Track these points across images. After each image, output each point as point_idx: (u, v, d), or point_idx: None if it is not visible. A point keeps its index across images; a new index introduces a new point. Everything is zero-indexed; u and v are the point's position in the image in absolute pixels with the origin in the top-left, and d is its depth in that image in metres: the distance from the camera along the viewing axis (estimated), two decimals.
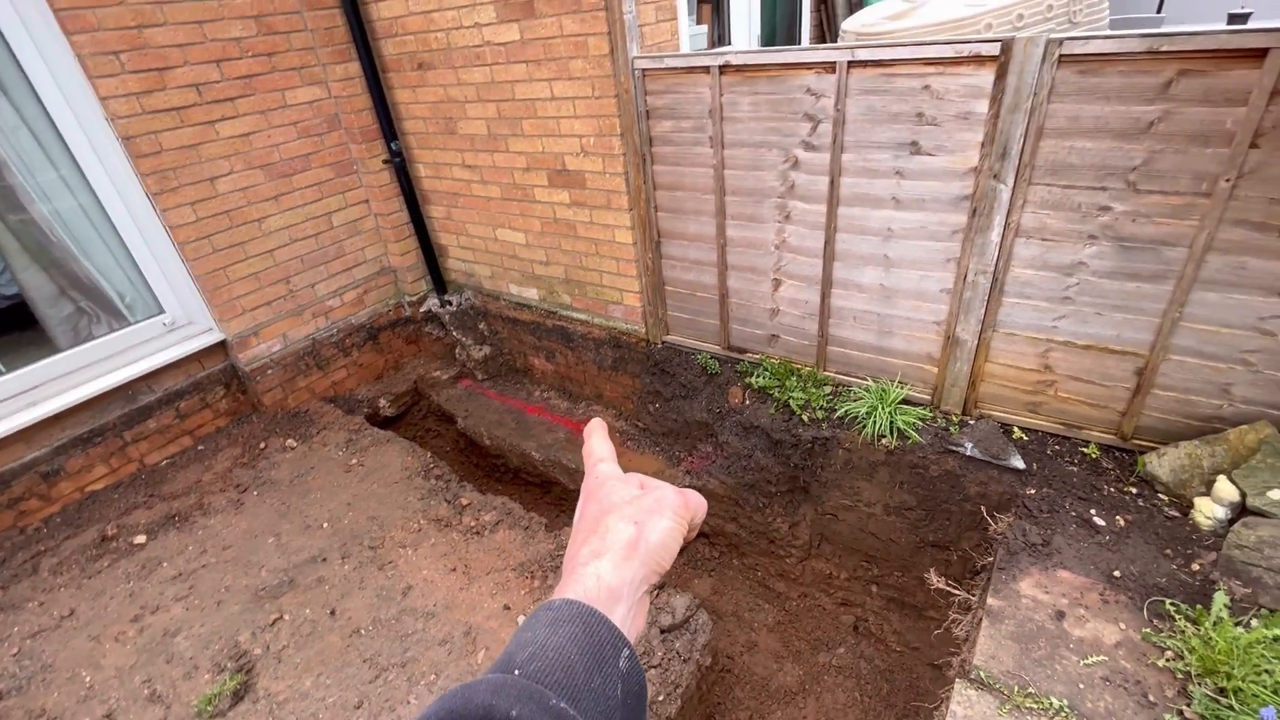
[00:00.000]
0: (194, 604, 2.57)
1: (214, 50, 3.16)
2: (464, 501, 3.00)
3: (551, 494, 3.82)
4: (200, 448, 3.53)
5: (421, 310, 4.40)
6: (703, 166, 2.93)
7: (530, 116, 3.25)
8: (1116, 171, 2.10)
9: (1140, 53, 1.92)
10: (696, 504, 0.56)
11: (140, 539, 2.92)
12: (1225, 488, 2.06)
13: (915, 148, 2.41)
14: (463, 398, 4.22)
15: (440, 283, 4.40)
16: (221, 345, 3.58)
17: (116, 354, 3.24)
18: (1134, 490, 2.30)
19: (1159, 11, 8.99)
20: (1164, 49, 1.89)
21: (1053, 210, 2.25)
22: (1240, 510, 2.04)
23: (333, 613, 2.48)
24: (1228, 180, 1.95)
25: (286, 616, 2.48)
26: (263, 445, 3.50)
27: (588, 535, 0.51)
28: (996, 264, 2.42)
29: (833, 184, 2.62)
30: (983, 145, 2.27)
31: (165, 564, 2.78)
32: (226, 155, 3.33)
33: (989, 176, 2.29)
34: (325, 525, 2.93)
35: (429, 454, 3.38)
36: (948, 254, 2.52)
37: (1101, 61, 1.99)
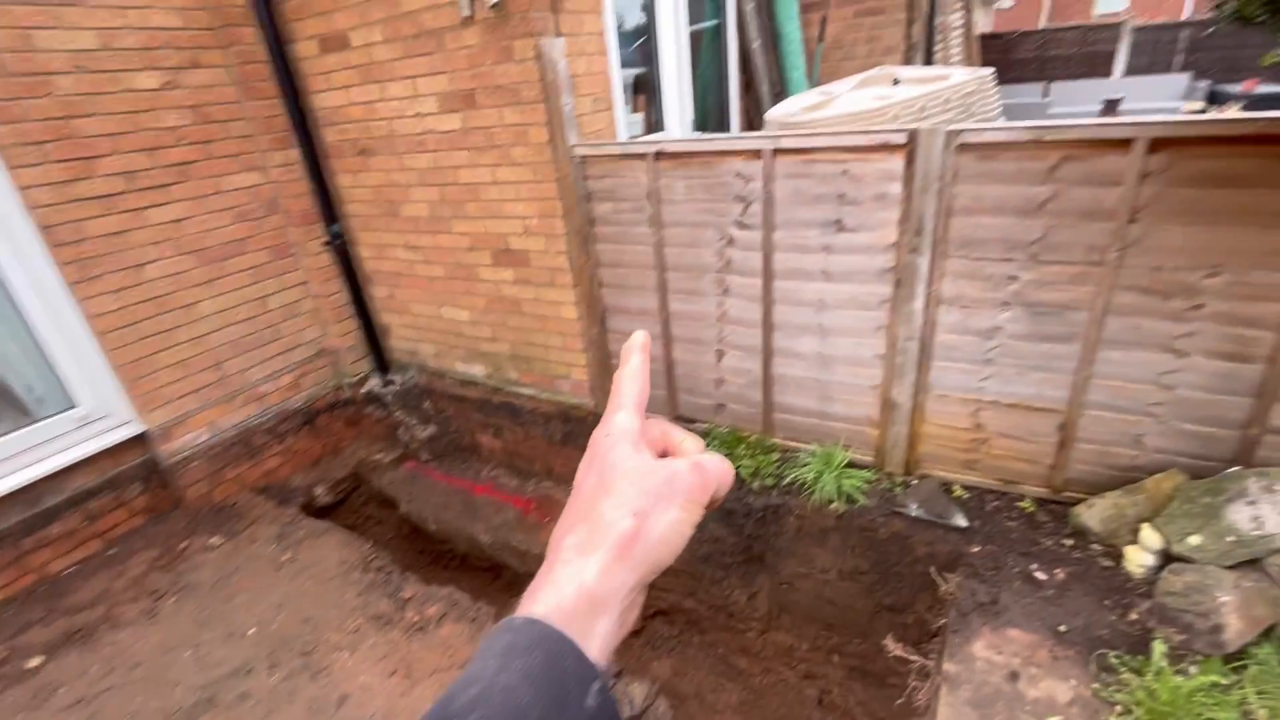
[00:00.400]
0: None
1: (146, 139, 3.13)
2: (406, 595, 2.83)
3: (501, 579, 3.65)
4: (111, 551, 3.23)
5: (363, 391, 4.27)
6: (643, 245, 3.03)
7: (474, 199, 3.32)
8: (1020, 244, 2.29)
9: (1026, 141, 2.15)
10: (719, 477, 0.46)
11: (34, 662, 2.60)
12: (1150, 536, 2.16)
13: (840, 225, 2.57)
14: (406, 480, 4.05)
15: (383, 362, 4.31)
16: (141, 438, 3.35)
17: (19, 453, 2.98)
18: (1070, 542, 2.38)
19: (1045, 96, 10.11)
20: (1047, 138, 2.12)
21: (968, 280, 2.42)
22: (1166, 557, 2.14)
23: None
24: (1115, 251, 2.15)
25: None
26: (183, 545, 3.24)
27: (577, 519, 0.43)
28: (923, 330, 2.56)
29: (766, 259, 2.75)
30: (900, 222, 2.45)
31: (63, 689, 2.48)
32: (156, 241, 3.24)
33: (908, 250, 2.46)
34: (252, 632, 2.69)
35: (369, 544, 3.20)
36: (878, 322, 2.65)
37: (995, 149, 2.21)
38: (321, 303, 4.03)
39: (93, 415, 3.19)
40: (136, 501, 3.38)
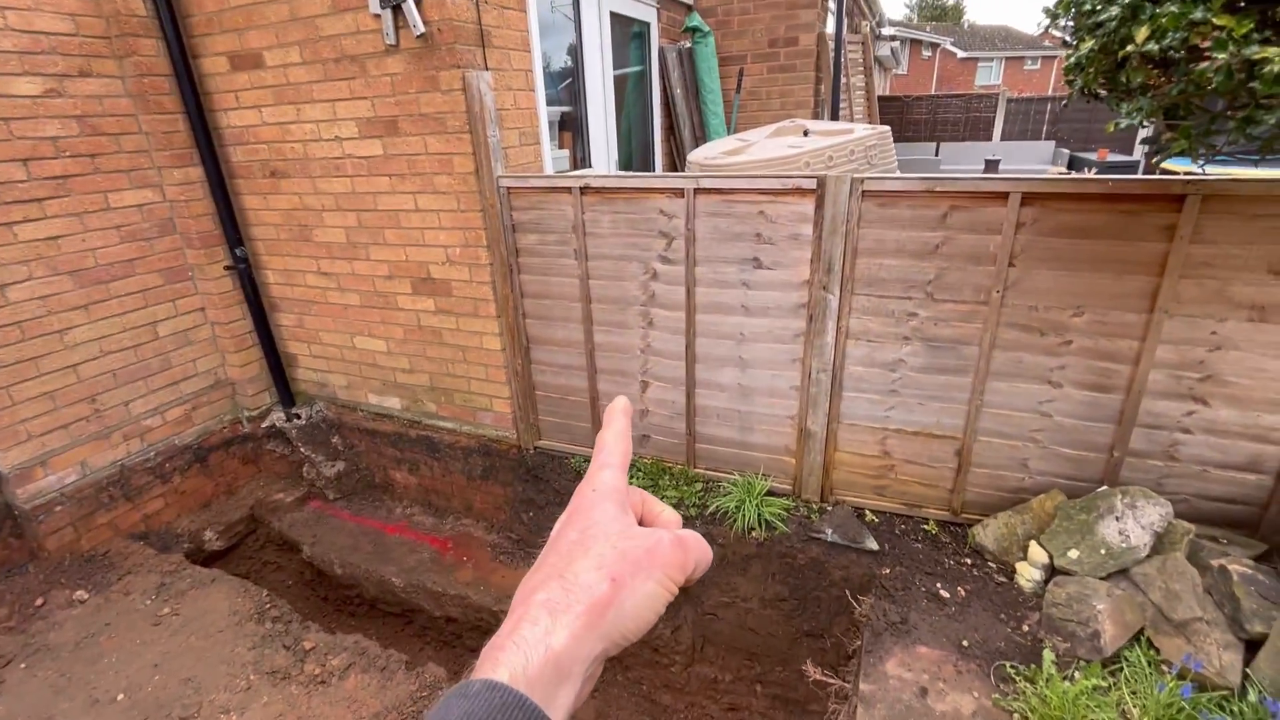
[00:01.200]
0: None
1: (21, 148, 2.85)
2: (307, 645, 2.61)
3: (414, 624, 3.44)
4: None
5: (264, 426, 3.98)
6: (569, 276, 3.05)
7: (394, 226, 3.24)
8: (917, 284, 2.49)
9: (920, 191, 2.36)
10: (699, 556, 0.44)
11: None
12: (1036, 551, 2.35)
13: (757, 263, 2.70)
14: (310, 521, 3.78)
15: (288, 394, 4.04)
16: None
17: None
18: (969, 560, 2.54)
19: (936, 155, 11.19)
20: (938, 189, 2.34)
21: (873, 316, 2.60)
22: (1050, 571, 2.32)
23: None
24: (998, 292, 2.38)
25: None
26: (40, 602, 2.85)
27: (550, 575, 0.40)
28: (834, 362, 2.71)
29: (689, 293, 2.84)
30: (812, 261, 2.61)
31: None
32: (25, 260, 2.93)
33: (819, 288, 2.62)
34: (120, 697, 2.38)
35: (265, 592, 2.94)
36: (793, 354, 2.78)
37: (894, 196, 2.41)
38: (220, 330, 3.76)
39: None
40: None
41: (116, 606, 2.84)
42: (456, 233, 3.09)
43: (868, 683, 2.03)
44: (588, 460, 3.34)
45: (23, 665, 2.53)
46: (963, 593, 2.37)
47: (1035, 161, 10.73)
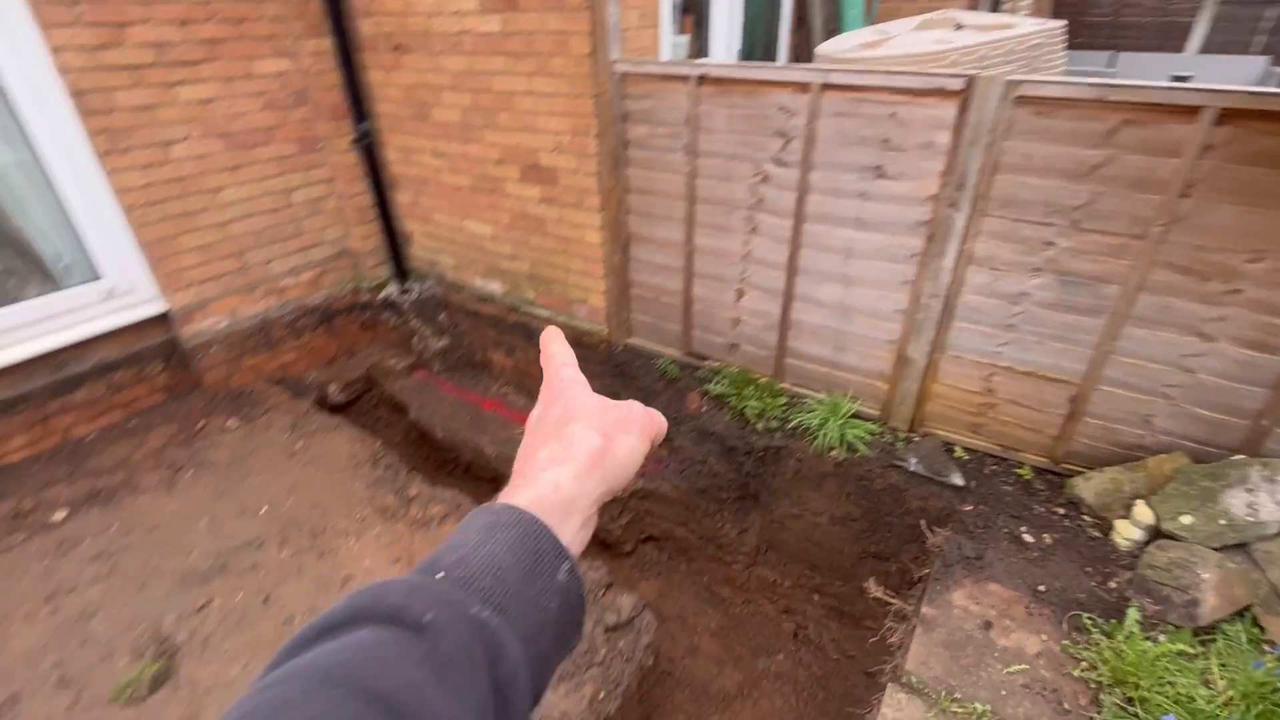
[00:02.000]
0: (115, 585, 2.44)
1: (178, 10, 3.04)
2: (412, 493, 2.94)
3: (500, 489, 3.77)
4: (132, 423, 3.35)
5: (380, 297, 4.30)
6: (675, 173, 2.97)
7: (506, 109, 3.23)
8: (1062, 209, 2.23)
9: (1090, 99, 2.05)
10: (660, 425, 0.53)
11: (59, 515, 2.75)
12: (1143, 512, 2.20)
13: (880, 171, 2.50)
14: (417, 389, 4.14)
15: (402, 270, 4.32)
16: (163, 317, 3.42)
17: (46, 319, 3.06)
18: (1061, 511, 2.42)
19: (1109, 66, 9.56)
20: (1111, 98, 2.02)
21: (1003, 241, 2.37)
22: (1154, 533, 2.18)
23: (266, 600, 2.39)
24: (1160, 225, 2.09)
25: (216, 601, 2.38)
26: (201, 424, 3.35)
27: (548, 438, 0.48)
28: (949, 289, 2.53)
29: (800, 200, 2.70)
30: (942, 174, 2.38)
31: (86, 542, 2.63)
32: (184, 120, 3.20)
33: (946, 204, 2.40)
34: (263, 510, 2.82)
35: (378, 442, 3.30)
36: (904, 276, 2.62)
37: (1055, 105, 2.11)
38: (345, 203, 4.01)
39: (118, 290, 3.25)
40: (157, 379, 3.48)
41: (259, 437, 3.29)
42: (567, 119, 3.05)
43: (931, 607, 2.04)
44: (674, 362, 3.40)
45: (190, 473, 3.03)
46: (1049, 540, 2.28)
47: (1237, 82, 8.89)
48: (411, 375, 4.27)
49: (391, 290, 4.28)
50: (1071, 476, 2.52)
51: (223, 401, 3.54)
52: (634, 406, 0.51)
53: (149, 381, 3.45)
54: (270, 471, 3.05)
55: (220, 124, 3.34)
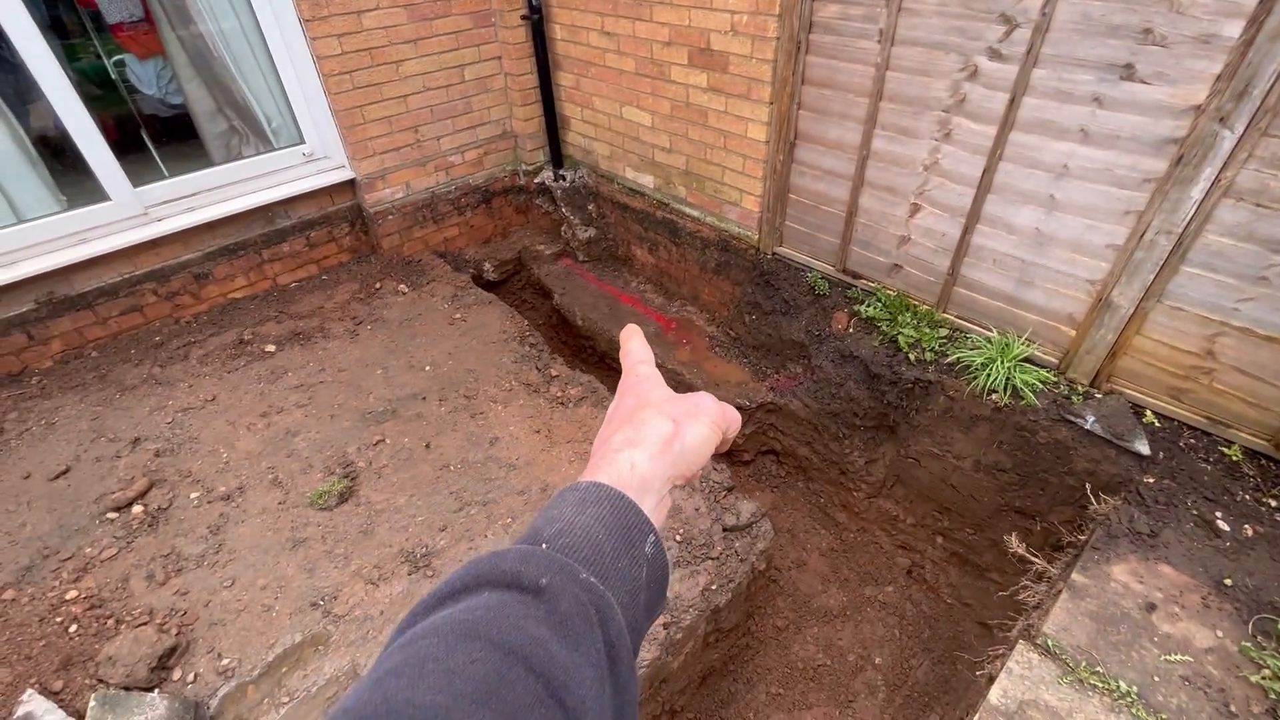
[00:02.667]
0: (312, 412, 2.87)
1: None
2: (553, 372, 3.12)
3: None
4: (324, 277, 3.81)
5: (535, 181, 4.40)
6: (862, 64, 2.63)
7: None
8: None
9: None
10: (733, 418, 0.56)
11: (271, 348, 3.25)
12: None
13: (1128, 72, 2.04)
14: (561, 275, 4.29)
15: (558, 155, 4.35)
16: (350, 184, 3.75)
17: (261, 175, 3.46)
18: (1273, 503, 2.07)
19: None
20: None
21: None
22: None
23: (427, 445, 2.71)
24: None
25: (387, 440, 2.73)
26: (378, 285, 3.73)
27: (622, 424, 0.51)
28: (1187, 225, 2.09)
29: (1012, 103, 2.30)
30: (1217, 79, 1.90)
31: (290, 373, 3.10)
32: None
33: (1213, 119, 1.93)
34: (427, 368, 3.14)
35: (525, 322, 3.50)
36: (1129, 204, 2.20)
37: None
38: (512, 82, 4.04)
39: (316, 154, 3.58)
40: (345, 240, 3.88)
41: (425, 303, 3.61)
42: None
43: (1083, 576, 1.87)
44: (824, 277, 3.21)
45: (368, 326, 3.42)
46: (1250, 532, 1.97)
47: None
48: (557, 262, 4.41)
49: (546, 176, 4.35)
50: None
51: (396, 267, 3.90)
52: (704, 398, 0.54)
53: (338, 242, 3.86)
54: (433, 334, 3.36)
55: None
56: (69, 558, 2.24)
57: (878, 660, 2.91)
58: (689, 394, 0.55)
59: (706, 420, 0.52)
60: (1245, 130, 1.90)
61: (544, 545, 0.40)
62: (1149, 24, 1.96)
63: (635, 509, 0.44)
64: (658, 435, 0.49)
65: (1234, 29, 1.83)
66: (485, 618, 0.35)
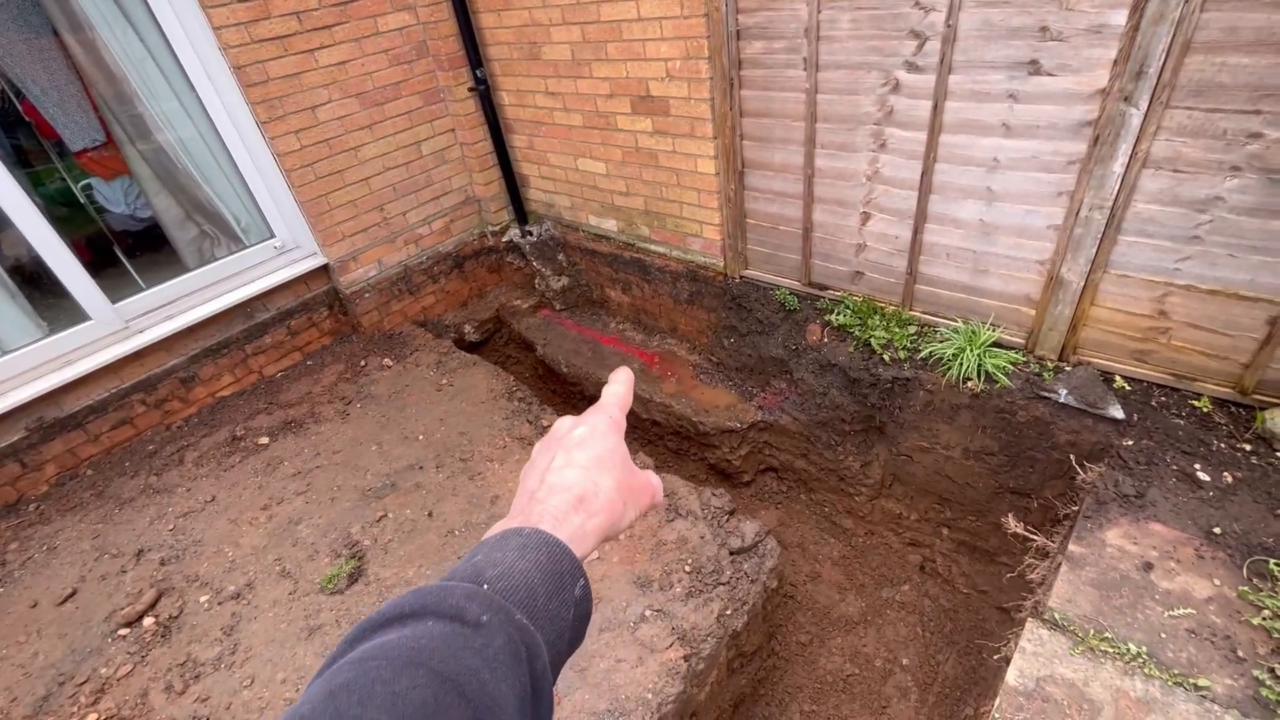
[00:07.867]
0: (312, 498, 2.90)
1: None
2: (545, 422, 3.17)
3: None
4: (309, 362, 3.86)
5: (503, 240, 4.52)
6: (794, 91, 2.79)
7: (615, 39, 3.17)
8: (1276, 92, 1.85)
9: None
10: (660, 504, 0.74)
11: (264, 440, 3.28)
12: None
13: (1034, 67, 2.20)
14: (541, 326, 4.37)
15: (521, 213, 4.49)
16: (324, 269, 3.84)
17: (236, 274, 3.55)
18: (1248, 447, 2.15)
19: None
20: None
21: (1191, 138, 2.03)
22: None
23: (430, 514, 2.73)
24: None
25: (390, 514, 2.76)
26: (363, 363, 3.79)
27: (583, 479, 0.55)
28: (1116, 198, 2.22)
29: (936, 109, 2.45)
30: (1115, 64, 2.05)
31: (286, 463, 3.12)
32: (325, 84, 3.46)
33: (1118, 99, 2.08)
34: (420, 437, 3.18)
35: (511, 378, 3.56)
36: (1060, 186, 2.33)
37: None
38: (468, 150, 4.19)
39: (286, 245, 3.68)
40: (325, 324, 3.95)
41: (411, 374, 3.67)
42: (678, 44, 2.94)
43: (1079, 545, 1.93)
44: (792, 293, 3.31)
45: (358, 405, 3.46)
46: (1229, 479, 2.04)
47: None
48: (536, 314, 4.50)
49: (513, 233, 4.48)
50: (1263, 409, 2.21)
51: (378, 342, 3.97)
52: (650, 479, 0.62)
53: (318, 326, 3.93)
54: (422, 403, 3.42)
55: (355, 84, 3.57)
56: (84, 681, 2.23)
57: (905, 661, 2.91)
58: (642, 472, 0.61)
59: (643, 504, 0.60)
60: (1149, 105, 2.04)
61: (485, 586, 0.46)
62: (1044, 23, 2.12)
63: (570, 556, 0.49)
64: (608, 511, 0.55)
65: (1120, 18, 1.99)
66: (429, 646, 0.40)
